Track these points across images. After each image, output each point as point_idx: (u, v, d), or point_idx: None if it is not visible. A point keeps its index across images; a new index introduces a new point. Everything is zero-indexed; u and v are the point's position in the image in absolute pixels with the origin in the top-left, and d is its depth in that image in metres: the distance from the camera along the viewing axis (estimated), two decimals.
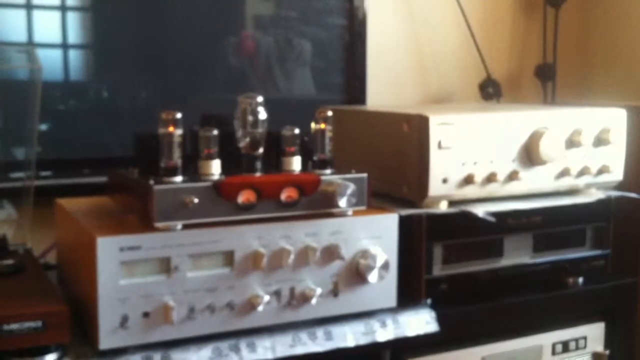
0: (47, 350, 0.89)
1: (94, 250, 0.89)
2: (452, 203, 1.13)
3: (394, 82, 1.72)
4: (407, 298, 1.11)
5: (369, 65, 1.65)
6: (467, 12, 1.73)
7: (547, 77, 1.83)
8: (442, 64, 1.77)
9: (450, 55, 1.78)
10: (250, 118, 1.00)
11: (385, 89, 1.70)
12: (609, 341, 1.30)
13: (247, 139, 1.00)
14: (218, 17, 1.52)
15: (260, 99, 1.00)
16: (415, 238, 1.11)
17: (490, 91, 1.73)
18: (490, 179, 1.14)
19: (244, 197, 0.97)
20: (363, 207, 1.05)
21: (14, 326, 0.87)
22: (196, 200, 0.93)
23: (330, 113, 1.06)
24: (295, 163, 1.04)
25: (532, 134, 1.16)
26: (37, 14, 1.35)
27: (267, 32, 1.57)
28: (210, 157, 0.98)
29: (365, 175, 1.05)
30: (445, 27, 1.76)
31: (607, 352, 1.29)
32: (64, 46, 1.39)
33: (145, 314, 0.92)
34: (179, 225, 0.93)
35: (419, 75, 1.75)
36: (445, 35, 1.76)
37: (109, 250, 0.90)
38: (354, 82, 1.65)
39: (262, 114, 1.00)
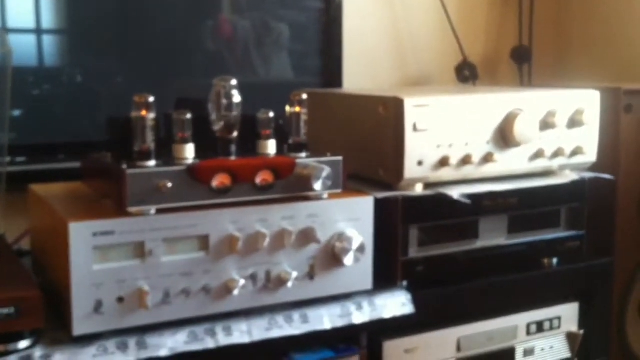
0: (21, 337, 0.89)
1: (67, 236, 0.88)
2: (427, 185, 1.14)
3: (371, 66, 1.72)
4: (383, 280, 1.11)
5: (346, 48, 1.65)
6: None
7: (523, 60, 1.83)
8: (419, 47, 1.77)
9: (427, 38, 1.78)
10: (224, 101, 0.99)
11: (363, 72, 1.69)
12: (583, 321, 1.32)
13: (222, 123, 1.00)
14: (195, 1, 1.50)
15: (234, 82, 1.00)
16: (391, 220, 1.12)
17: (467, 74, 1.73)
18: (466, 161, 1.14)
19: (218, 180, 0.96)
20: (339, 190, 1.05)
21: None
22: (170, 185, 0.92)
23: (305, 96, 1.06)
24: (271, 146, 1.03)
25: (506, 115, 1.16)
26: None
27: (244, 15, 1.56)
28: (184, 141, 0.97)
29: (340, 158, 1.05)
30: (422, 10, 1.76)
31: (582, 332, 1.31)
32: (38, 31, 1.38)
33: (120, 299, 0.92)
34: (152, 209, 0.93)
35: (396, 59, 1.75)
36: (421, 18, 1.76)
37: (81, 235, 0.89)
38: (331, 66, 1.64)
39: (237, 97, 1.00)
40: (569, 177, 1.26)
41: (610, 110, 1.35)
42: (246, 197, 0.99)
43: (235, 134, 1.00)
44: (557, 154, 1.22)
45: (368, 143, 1.15)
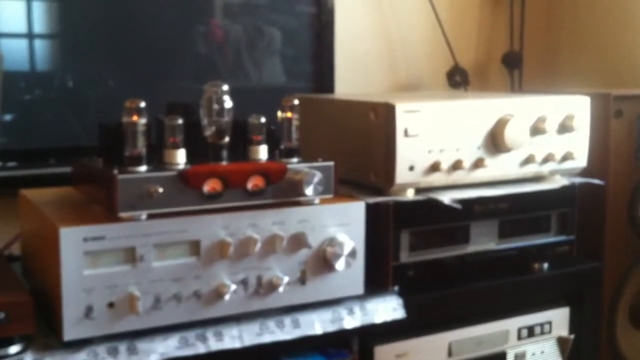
0: (11, 342, 0.89)
1: (57, 241, 0.88)
2: (418, 190, 1.14)
3: (362, 71, 1.72)
4: (375, 285, 1.12)
5: (338, 54, 1.65)
6: (435, 0, 1.73)
7: (513, 65, 1.84)
8: (410, 53, 1.78)
9: (418, 44, 1.78)
10: (215, 106, 0.99)
11: (354, 77, 1.70)
12: (573, 326, 1.32)
13: (213, 128, 1.00)
14: (186, 5, 1.51)
15: (225, 87, 1.00)
16: (383, 225, 1.12)
17: (458, 79, 1.74)
18: (456, 166, 1.14)
19: (209, 186, 0.96)
20: (330, 195, 1.05)
21: None
22: (161, 190, 0.92)
23: (296, 101, 1.06)
24: (262, 152, 1.04)
25: (497, 121, 1.17)
26: (1, 4, 1.33)
27: (236, 20, 1.56)
28: (176, 146, 0.97)
29: (332, 163, 1.05)
30: (413, 16, 1.77)
31: (572, 336, 1.31)
32: (30, 36, 1.37)
33: (111, 305, 0.91)
34: (143, 215, 0.93)
35: (387, 64, 1.76)
36: (413, 24, 1.77)
37: (72, 240, 0.89)
38: (322, 71, 1.64)
39: (228, 102, 1.00)
40: (559, 182, 1.26)
41: (600, 115, 1.36)
42: (237, 202, 0.99)
43: (226, 139, 1.00)
44: (547, 159, 1.23)
45: (359, 148, 1.16)
